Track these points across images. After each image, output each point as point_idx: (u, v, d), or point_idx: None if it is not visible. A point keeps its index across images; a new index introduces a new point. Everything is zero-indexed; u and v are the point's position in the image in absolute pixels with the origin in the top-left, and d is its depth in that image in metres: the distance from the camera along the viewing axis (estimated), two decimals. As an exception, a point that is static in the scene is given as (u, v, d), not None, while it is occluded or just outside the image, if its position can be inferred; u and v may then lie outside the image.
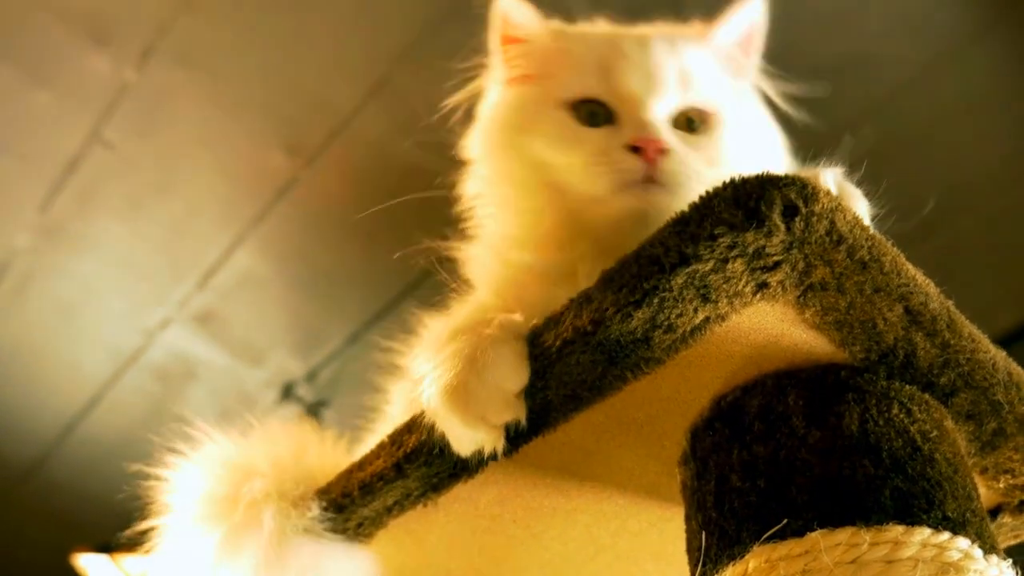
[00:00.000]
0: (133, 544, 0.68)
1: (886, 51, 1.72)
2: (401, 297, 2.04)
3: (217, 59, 1.84)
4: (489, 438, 0.53)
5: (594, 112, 0.61)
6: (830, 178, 0.54)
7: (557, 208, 0.61)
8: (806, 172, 0.54)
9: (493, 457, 0.57)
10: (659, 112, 0.60)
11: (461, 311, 0.62)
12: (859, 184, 0.57)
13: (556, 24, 0.67)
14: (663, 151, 0.57)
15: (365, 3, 1.74)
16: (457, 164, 0.70)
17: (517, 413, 0.53)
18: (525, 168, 0.63)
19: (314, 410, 2.45)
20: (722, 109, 0.62)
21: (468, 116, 0.69)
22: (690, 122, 0.61)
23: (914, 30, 1.70)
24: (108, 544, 2.06)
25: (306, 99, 1.90)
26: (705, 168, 0.58)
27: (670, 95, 0.60)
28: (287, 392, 2.47)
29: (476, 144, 0.67)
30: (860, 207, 0.55)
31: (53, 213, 2.10)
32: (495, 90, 0.68)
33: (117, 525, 0.72)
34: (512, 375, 0.52)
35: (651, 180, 0.57)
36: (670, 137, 0.58)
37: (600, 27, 0.68)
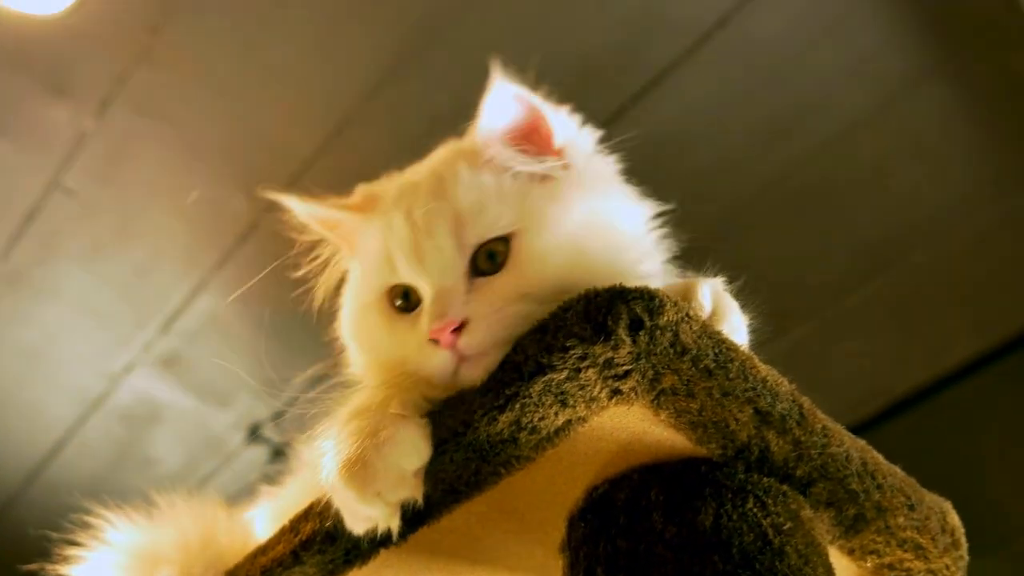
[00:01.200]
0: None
1: (834, 94, 1.76)
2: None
3: (176, 107, 1.86)
4: (383, 515, 0.54)
5: (405, 293, 0.59)
6: (707, 289, 0.56)
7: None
8: (685, 282, 0.57)
9: (384, 543, 0.59)
10: (446, 283, 0.56)
11: (364, 392, 0.63)
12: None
13: (348, 202, 0.64)
14: (459, 330, 0.54)
15: (324, 50, 1.77)
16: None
17: (414, 492, 0.54)
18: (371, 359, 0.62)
19: (281, 450, 2.45)
20: (518, 224, 0.57)
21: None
22: (491, 257, 0.57)
23: (862, 74, 1.74)
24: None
25: (266, 144, 1.93)
26: (522, 302, 0.55)
27: (448, 260, 0.57)
28: (253, 433, 2.48)
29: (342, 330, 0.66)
30: (736, 320, 0.56)
31: (14, 260, 2.11)
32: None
33: None
34: (413, 453, 0.53)
35: (464, 359, 0.54)
36: (461, 310, 0.55)
37: (391, 183, 0.64)
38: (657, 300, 0.49)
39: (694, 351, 0.49)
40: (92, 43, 1.81)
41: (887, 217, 1.91)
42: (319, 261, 0.66)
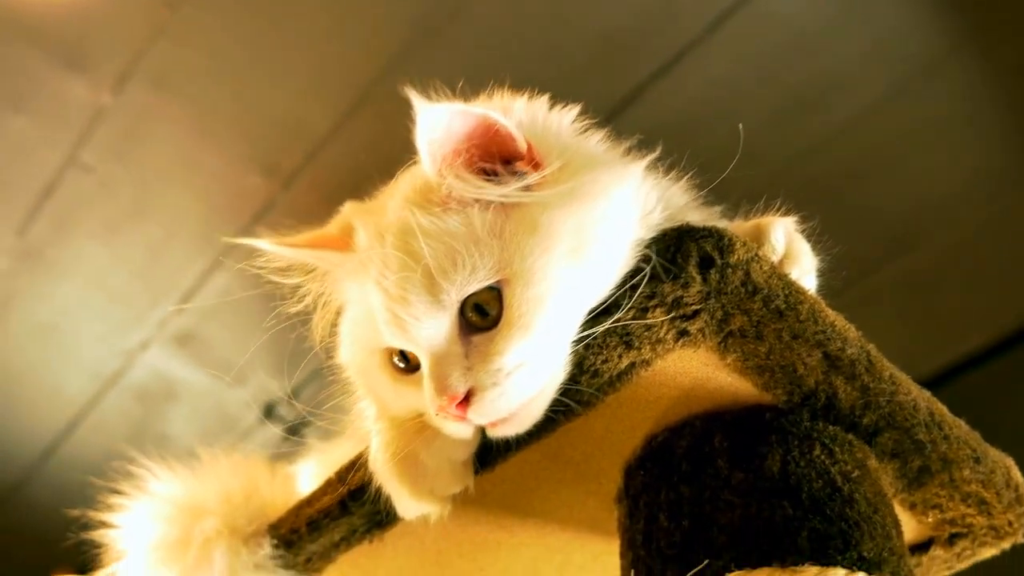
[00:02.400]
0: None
1: (857, 74, 1.74)
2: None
3: (193, 82, 1.85)
4: (435, 508, 0.54)
5: (402, 354, 0.53)
6: (780, 229, 0.54)
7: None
8: (757, 221, 0.56)
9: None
10: (438, 350, 0.49)
11: None
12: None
13: (325, 236, 0.57)
14: (466, 402, 0.48)
15: (342, 25, 1.75)
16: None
17: (466, 481, 0.53)
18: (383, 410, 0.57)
19: (296, 429, 2.44)
20: (503, 271, 0.48)
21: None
22: (481, 310, 0.49)
23: (885, 53, 1.72)
24: (87, 566, 2.05)
25: (282, 121, 1.92)
26: (531, 360, 0.48)
27: (430, 327, 0.49)
28: (269, 412, 2.48)
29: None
30: (807, 263, 0.54)
31: (31, 237, 2.11)
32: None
33: (98, 549, 0.73)
34: (461, 446, 0.52)
35: (491, 424, 0.50)
36: (461, 381, 0.48)
37: (370, 212, 0.55)
38: (727, 239, 0.48)
39: (765, 291, 0.48)
40: (109, 18, 1.80)
41: (907, 199, 1.89)
42: (309, 300, 0.58)
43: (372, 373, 0.55)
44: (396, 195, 0.53)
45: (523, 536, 0.63)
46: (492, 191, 0.49)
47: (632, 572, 0.51)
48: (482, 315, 0.49)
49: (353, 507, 0.60)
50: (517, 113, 0.52)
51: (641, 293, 0.47)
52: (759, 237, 0.53)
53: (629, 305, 0.48)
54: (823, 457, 0.51)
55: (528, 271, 0.48)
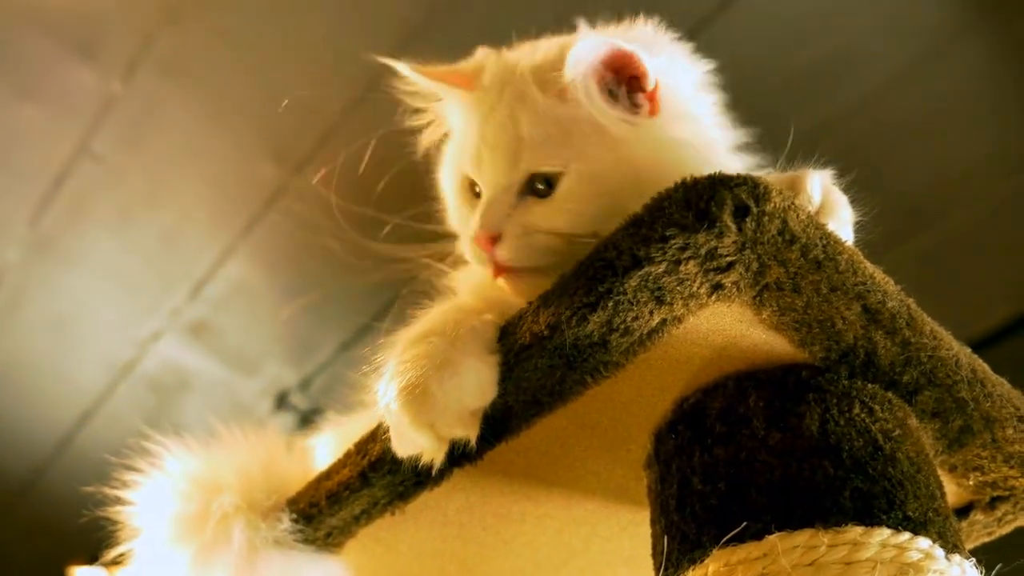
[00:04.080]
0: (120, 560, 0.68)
1: (872, 48, 1.71)
2: (393, 303, 2.03)
3: (203, 69, 1.84)
4: (431, 447, 0.52)
5: (474, 183, 0.62)
6: (817, 180, 0.53)
7: None
8: (794, 173, 0.54)
9: (458, 462, 0.56)
10: (499, 192, 0.59)
11: (437, 311, 0.61)
12: (848, 186, 0.56)
13: (457, 70, 0.65)
14: (494, 241, 0.58)
15: (352, 9, 1.74)
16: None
17: (468, 431, 0.52)
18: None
19: (309, 418, 2.44)
20: (570, 163, 0.57)
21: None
22: (547, 182, 0.58)
23: (900, 27, 1.69)
24: (103, 556, 2.05)
25: (293, 106, 1.90)
26: (555, 231, 0.56)
27: (500, 176, 0.59)
28: (281, 401, 2.47)
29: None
30: (844, 214, 0.54)
31: (43, 227, 2.10)
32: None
33: (112, 538, 0.72)
34: (476, 391, 0.51)
35: (503, 269, 0.58)
36: (497, 224, 0.58)
37: (502, 60, 0.64)
38: (762, 186, 0.45)
39: (803, 240, 0.46)
40: (118, 5, 1.78)
41: (923, 176, 1.86)
42: (425, 120, 0.68)
43: (453, 189, 0.65)
44: (532, 57, 0.61)
45: (548, 507, 0.62)
46: (604, 112, 0.57)
47: (665, 538, 0.49)
48: (545, 185, 0.58)
49: (374, 478, 0.58)
50: (661, 52, 0.60)
51: (673, 244, 0.45)
52: (795, 188, 0.51)
53: (661, 258, 0.45)
54: (863, 415, 0.49)
55: (586, 174, 0.57)
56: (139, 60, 1.80)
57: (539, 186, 0.58)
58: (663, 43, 0.62)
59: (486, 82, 0.62)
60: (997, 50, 1.74)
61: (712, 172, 0.47)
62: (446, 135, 0.67)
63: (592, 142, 0.57)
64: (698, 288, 0.47)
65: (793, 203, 0.46)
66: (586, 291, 0.48)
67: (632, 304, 0.47)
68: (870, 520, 0.44)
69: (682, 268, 0.46)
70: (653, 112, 0.58)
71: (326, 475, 0.62)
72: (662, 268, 0.46)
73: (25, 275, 2.14)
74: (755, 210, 0.45)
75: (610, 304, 0.47)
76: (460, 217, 0.64)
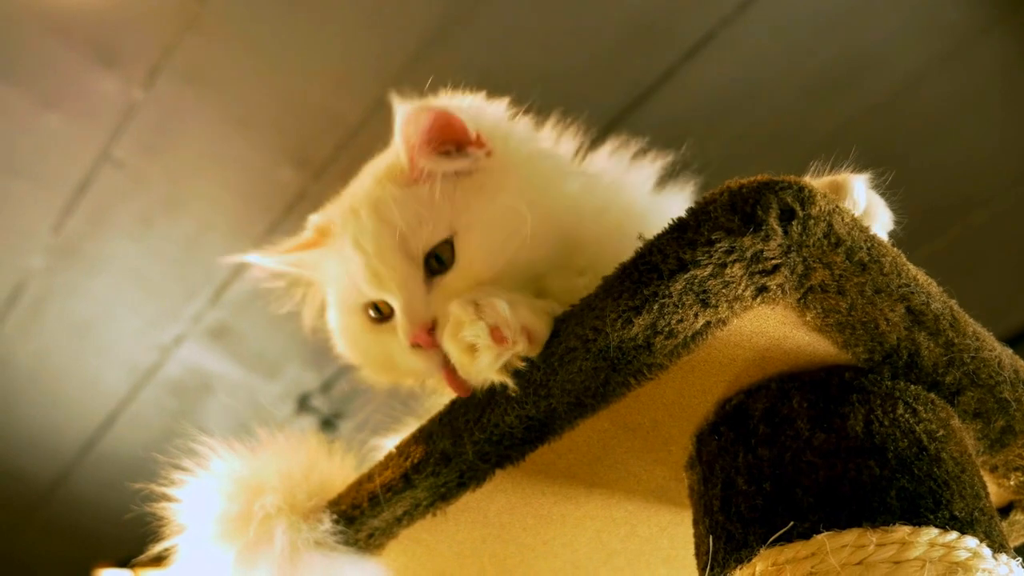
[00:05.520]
0: (154, 560, 0.69)
1: (893, 48, 1.71)
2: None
3: (224, 75, 1.85)
4: (490, 356, 0.53)
5: (375, 307, 0.64)
6: (860, 185, 0.54)
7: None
8: (835, 177, 0.55)
9: (501, 463, 0.57)
10: (409, 288, 0.60)
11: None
12: (875, 187, 0.57)
13: (305, 241, 0.69)
14: (431, 331, 0.58)
15: (370, 15, 1.75)
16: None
17: (525, 345, 0.53)
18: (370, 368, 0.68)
19: (329, 422, 2.46)
20: (454, 226, 0.61)
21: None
22: (440, 259, 0.61)
23: (921, 27, 1.69)
24: (129, 560, 2.07)
25: (313, 112, 1.92)
26: (481, 292, 0.57)
27: (402, 275, 0.60)
28: (302, 404, 2.49)
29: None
30: (885, 218, 0.56)
31: (66, 233, 2.13)
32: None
33: (138, 540, 0.73)
34: (532, 316, 0.54)
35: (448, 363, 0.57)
36: (427, 312, 0.59)
37: (336, 210, 0.67)
38: (807, 190, 0.46)
39: (848, 243, 0.46)
40: (139, 13, 1.80)
41: (946, 175, 1.86)
42: (299, 297, 0.72)
43: (353, 335, 0.66)
44: (363, 182, 0.65)
45: (588, 508, 0.62)
46: (451, 163, 0.61)
47: (710, 538, 0.50)
48: (440, 264, 0.61)
49: (416, 479, 0.59)
50: (467, 107, 0.63)
51: (719, 248, 0.46)
52: (838, 192, 0.51)
53: (707, 261, 0.46)
54: (907, 416, 0.49)
55: (471, 224, 0.61)
56: (160, 68, 1.82)
57: (438, 265, 0.61)
58: (467, 101, 0.65)
59: (338, 225, 0.65)
60: (1017, 48, 1.74)
61: (758, 177, 0.47)
62: (322, 307, 0.70)
63: (459, 198, 0.61)
64: (743, 291, 0.47)
65: (838, 206, 0.47)
66: (631, 294, 0.48)
67: (677, 307, 0.48)
68: (917, 520, 0.45)
69: (727, 271, 0.46)
70: (489, 153, 0.63)
71: (368, 477, 0.63)
72: (707, 271, 0.46)
73: (49, 281, 2.16)
74: (801, 213, 0.45)
75: (655, 307, 0.48)
76: (372, 344, 0.65)
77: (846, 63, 1.71)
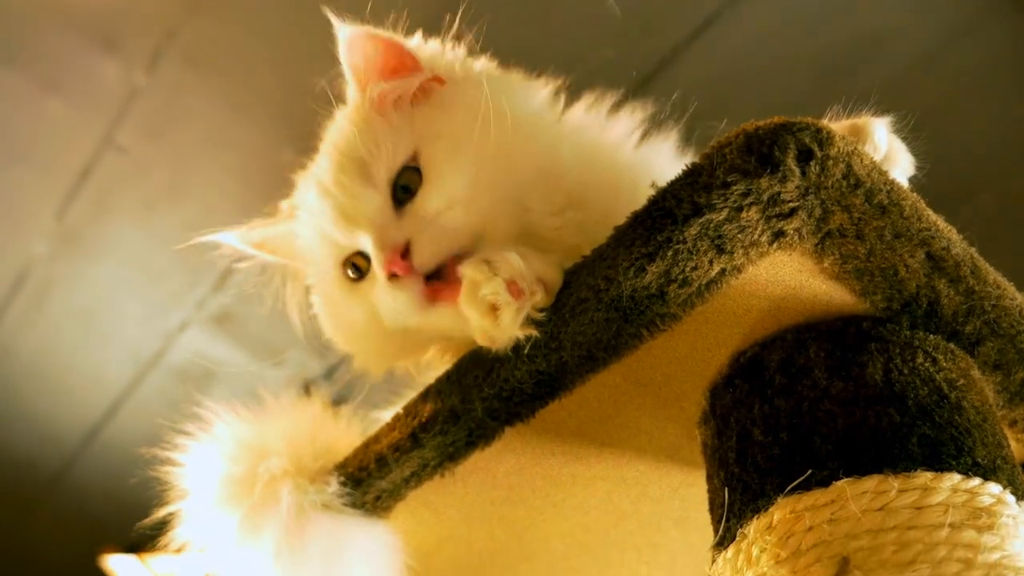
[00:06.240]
0: (154, 536, 0.68)
1: (901, 26, 1.70)
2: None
3: (226, 59, 1.84)
4: (511, 308, 0.51)
5: (354, 266, 0.61)
6: (881, 128, 0.54)
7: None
8: (855, 120, 0.54)
9: (510, 420, 0.56)
10: (378, 217, 0.58)
11: None
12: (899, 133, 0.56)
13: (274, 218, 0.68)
14: (405, 255, 0.56)
15: (372, -1, 1.74)
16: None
17: (542, 295, 0.52)
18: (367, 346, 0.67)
19: (334, 408, 2.45)
20: (416, 145, 0.59)
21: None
22: (407, 187, 0.58)
23: (927, 7, 1.68)
24: (135, 544, 2.07)
25: (316, 96, 1.90)
26: (451, 210, 0.56)
27: (369, 203, 0.58)
28: (307, 390, 2.47)
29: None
30: (906, 163, 0.55)
31: (69, 220, 2.12)
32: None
33: (144, 525, 0.72)
34: (544, 266, 0.53)
35: (430, 288, 0.56)
36: (399, 235, 0.57)
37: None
38: (825, 131, 0.45)
39: (867, 185, 0.45)
40: (141, -3, 1.79)
41: (952, 157, 1.84)
42: (277, 286, 0.70)
43: (337, 302, 0.64)
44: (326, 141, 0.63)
45: (599, 468, 0.61)
46: (402, 84, 0.60)
47: (726, 490, 0.49)
48: (407, 192, 0.58)
49: (424, 439, 0.58)
50: (414, 40, 0.62)
51: (735, 190, 0.45)
52: (858, 135, 0.50)
53: (723, 205, 0.45)
54: (927, 365, 0.48)
55: (434, 139, 0.58)
56: (162, 52, 1.81)
57: (404, 191, 0.58)
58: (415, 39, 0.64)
59: (302, 192, 0.64)
60: (1024, 28, 1.72)
61: (772, 118, 0.46)
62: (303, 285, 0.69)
63: (418, 120, 0.59)
64: (759, 236, 0.46)
65: (857, 148, 0.46)
66: (644, 241, 0.47)
67: (692, 253, 0.47)
68: (939, 466, 0.44)
69: (743, 215, 0.45)
70: (440, 81, 0.61)
71: (375, 439, 0.62)
72: (723, 215, 0.45)
73: (52, 268, 2.16)
74: (819, 154, 0.44)
75: (669, 254, 0.47)
76: (354, 309, 0.62)
77: (852, 44, 1.69)
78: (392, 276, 0.56)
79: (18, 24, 1.81)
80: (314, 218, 0.61)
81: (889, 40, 1.70)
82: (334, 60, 2.06)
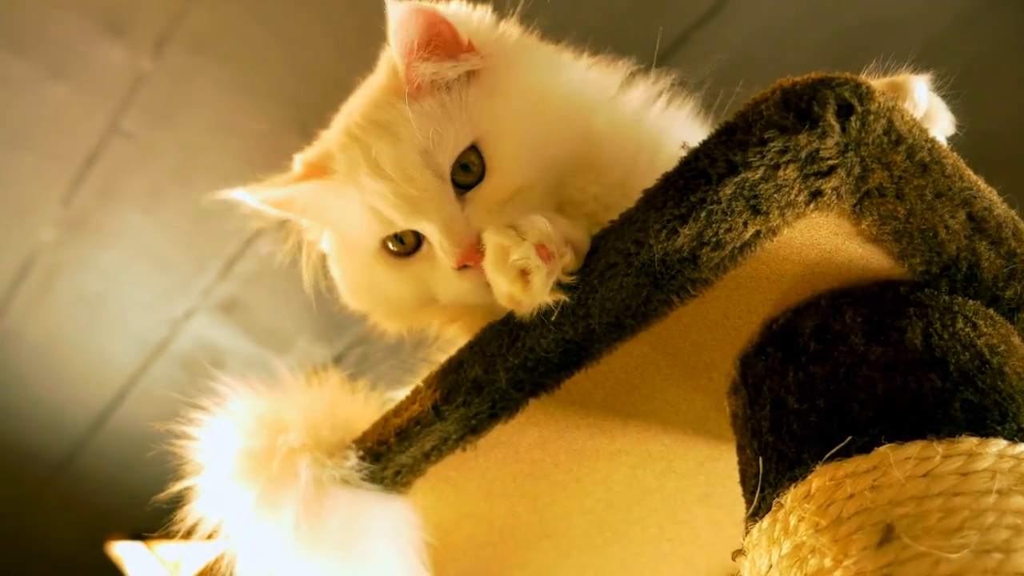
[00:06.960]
0: (164, 519, 0.67)
1: (908, 13, 1.68)
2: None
3: (232, 44, 1.83)
4: (541, 272, 0.50)
5: (398, 238, 0.60)
6: (921, 85, 0.53)
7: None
8: (894, 78, 0.53)
9: (535, 391, 0.55)
10: (444, 208, 0.56)
11: None
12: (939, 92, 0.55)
13: (297, 175, 0.64)
14: (478, 247, 0.55)
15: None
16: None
17: (572, 258, 0.51)
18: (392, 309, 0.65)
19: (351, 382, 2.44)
20: (477, 131, 0.57)
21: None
22: (467, 169, 0.57)
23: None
24: (142, 532, 2.07)
25: (323, 81, 1.89)
26: (518, 197, 0.56)
27: (437, 195, 0.57)
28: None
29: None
30: (946, 123, 0.54)
31: (75, 206, 2.10)
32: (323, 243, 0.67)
33: (151, 512, 0.71)
34: (572, 229, 0.52)
35: None
36: (470, 229, 0.56)
37: (327, 144, 0.63)
38: (864, 86, 0.43)
39: (909, 141, 0.44)
40: (147, -20, 1.77)
41: (963, 144, 1.83)
42: (291, 244, 0.67)
43: (373, 277, 0.62)
44: (357, 111, 0.60)
45: (623, 442, 0.60)
46: (453, 68, 0.58)
47: (760, 459, 0.48)
48: (468, 173, 0.57)
49: (446, 411, 0.57)
50: (455, 12, 0.60)
51: (772, 147, 0.43)
52: (897, 92, 0.49)
53: (759, 163, 0.43)
54: (967, 330, 0.47)
55: (496, 125, 0.57)
56: (168, 37, 1.79)
57: (464, 180, 0.57)
58: (452, 8, 0.61)
59: (340, 159, 0.60)
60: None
61: (811, 75, 0.45)
62: (322, 258, 0.66)
63: (471, 103, 0.58)
64: (796, 196, 0.45)
65: (897, 104, 0.44)
66: (676, 202, 0.46)
67: (726, 215, 0.45)
68: (984, 431, 0.42)
69: (780, 173, 0.44)
70: (483, 57, 0.59)
71: (394, 412, 0.61)
72: (759, 174, 0.44)
73: (58, 255, 2.15)
74: (860, 109, 0.43)
75: (702, 215, 0.45)
76: (397, 283, 0.61)
77: (861, 28, 1.68)
78: (464, 268, 0.56)
79: (23, 9, 1.80)
80: (365, 195, 0.59)
81: (898, 27, 1.68)
82: (341, 44, 2.03)
